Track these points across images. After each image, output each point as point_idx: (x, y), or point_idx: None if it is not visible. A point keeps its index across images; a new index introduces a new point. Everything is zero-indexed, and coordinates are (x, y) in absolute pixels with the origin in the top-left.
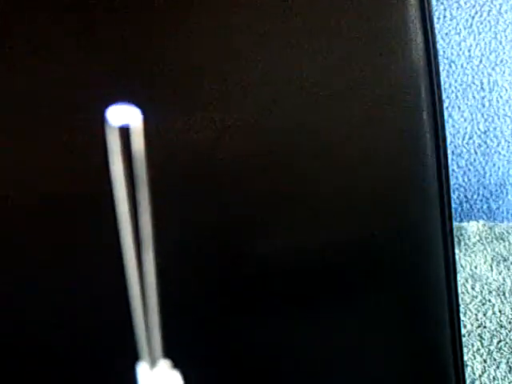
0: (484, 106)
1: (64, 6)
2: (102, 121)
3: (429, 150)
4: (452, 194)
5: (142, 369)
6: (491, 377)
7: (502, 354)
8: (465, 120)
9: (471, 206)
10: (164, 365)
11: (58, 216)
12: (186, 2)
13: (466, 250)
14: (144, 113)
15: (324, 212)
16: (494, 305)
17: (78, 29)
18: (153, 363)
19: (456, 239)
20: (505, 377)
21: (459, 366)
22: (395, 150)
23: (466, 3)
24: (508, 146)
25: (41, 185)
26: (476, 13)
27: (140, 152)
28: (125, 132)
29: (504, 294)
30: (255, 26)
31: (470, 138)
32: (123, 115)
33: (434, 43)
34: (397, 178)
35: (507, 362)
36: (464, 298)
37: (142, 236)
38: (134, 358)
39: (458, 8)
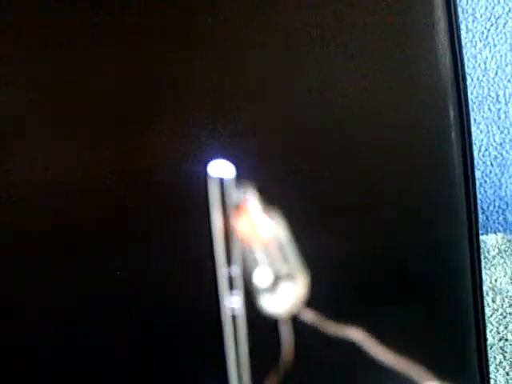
0: (500, 118)
1: None
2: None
3: (457, 168)
4: None
5: None
6: None
7: None
8: (481, 132)
9: (487, 218)
10: None
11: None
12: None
13: (485, 263)
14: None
15: (351, 225)
16: None
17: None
18: None
19: None
20: None
21: (485, 377)
22: (425, 168)
23: (481, 16)
24: None
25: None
26: (492, 25)
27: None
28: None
29: None
30: (294, 51)
31: (485, 150)
32: (220, 169)
33: (463, 65)
34: (425, 195)
35: None
36: (485, 311)
37: (233, 273)
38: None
39: (473, 21)
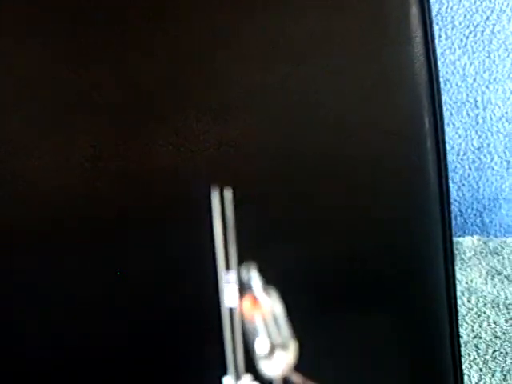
0: (478, 123)
1: None
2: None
3: (432, 175)
4: None
5: (228, 382)
6: None
7: (496, 363)
8: (459, 136)
9: (465, 220)
10: (247, 379)
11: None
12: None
13: (461, 264)
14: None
15: (327, 227)
16: (489, 316)
17: None
18: (237, 377)
19: None
20: None
21: (458, 374)
22: (401, 175)
23: (460, 23)
24: (501, 162)
25: None
26: (470, 33)
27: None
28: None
29: (498, 306)
30: (279, 69)
31: (464, 154)
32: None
33: (437, 76)
34: (402, 202)
35: (502, 371)
36: (460, 310)
37: (230, 264)
38: (222, 372)
39: (452, 28)
